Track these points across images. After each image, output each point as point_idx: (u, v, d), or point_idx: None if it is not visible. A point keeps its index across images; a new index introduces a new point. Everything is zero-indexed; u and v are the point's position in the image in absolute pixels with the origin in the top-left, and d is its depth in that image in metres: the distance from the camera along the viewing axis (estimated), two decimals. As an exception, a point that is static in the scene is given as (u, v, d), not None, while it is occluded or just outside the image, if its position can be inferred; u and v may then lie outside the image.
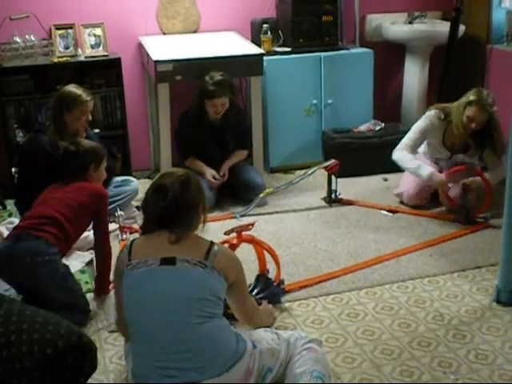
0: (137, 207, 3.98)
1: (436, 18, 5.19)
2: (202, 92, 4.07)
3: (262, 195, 4.12)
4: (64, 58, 4.38)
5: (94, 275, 3.23)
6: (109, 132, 4.52)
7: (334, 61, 4.71)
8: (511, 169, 2.85)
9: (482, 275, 3.29)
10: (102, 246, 3.13)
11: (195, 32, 4.77)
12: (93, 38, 4.47)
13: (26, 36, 4.33)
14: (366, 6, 5.01)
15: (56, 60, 4.35)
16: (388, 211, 4.08)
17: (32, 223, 2.94)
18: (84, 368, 2.12)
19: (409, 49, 5.07)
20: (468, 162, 4.02)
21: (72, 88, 3.67)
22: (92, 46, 4.47)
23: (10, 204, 4.13)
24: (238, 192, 4.31)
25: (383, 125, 4.79)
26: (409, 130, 4.08)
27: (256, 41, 4.66)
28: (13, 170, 4.22)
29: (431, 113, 3.97)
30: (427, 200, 4.12)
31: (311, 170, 4.22)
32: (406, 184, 4.15)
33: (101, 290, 3.14)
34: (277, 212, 4.13)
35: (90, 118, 3.77)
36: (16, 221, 3.68)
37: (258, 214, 4.05)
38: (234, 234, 2.92)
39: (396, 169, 4.17)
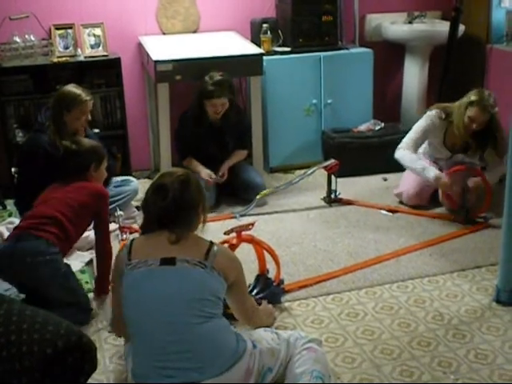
0: (137, 207, 3.98)
1: (436, 17, 5.19)
2: (202, 92, 4.07)
3: (259, 197, 4.11)
4: (64, 58, 4.38)
5: (94, 275, 3.24)
6: (108, 132, 4.52)
7: (334, 61, 4.71)
8: (511, 169, 2.85)
9: (482, 275, 3.29)
10: (102, 246, 3.13)
11: (195, 32, 4.77)
12: (92, 38, 4.47)
13: (26, 36, 4.33)
14: (365, 6, 5.01)
15: (56, 60, 4.35)
16: (388, 211, 4.08)
17: (33, 223, 2.95)
18: (84, 368, 2.12)
19: (408, 49, 5.07)
20: (468, 162, 4.02)
21: (71, 88, 3.67)
22: (92, 46, 4.47)
23: (10, 204, 4.13)
24: (237, 192, 4.31)
25: (383, 124, 4.78)
26: (409, 129, 4.07)
27: (256, 41, 4.66)
28: (12, 169, 4.22)
29: (432, 113, 3.96)
30: (427, 200, 4.12)
31: (311, 170, 4.22)
32: (405, 184, 4.15)
33: (101, 290, 3.14)
34: (276, 212, 4.13)
35: (90, 117, 3.77)
36: (16, 221, 3.68)
37: (258, 214, 4.05)
38: (233, 234, 2.92)
39: (396, 168, 4.18)
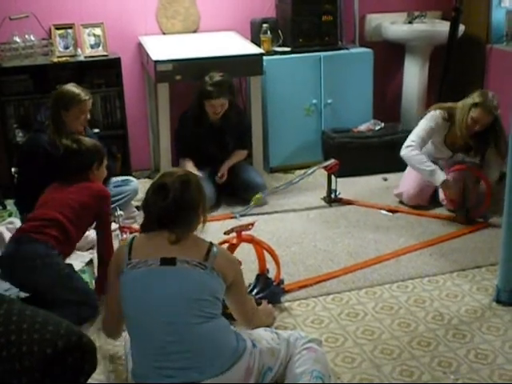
0: (137, 207, 3.98)
1: (436, 17, 5.20)
2: (201, 92, 4.07)
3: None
4: (64, 58, 4.38)
5: (94, 275, 3.23)
6: (108, 132, 4.52)
7: (334, 61, 4.71)
8: (511, 169, 2.85)
9: (482, 275, 3.29)
10: (104, 247, 3.13)
11: (195, 32, 4.77)
12: (92, 38, 4.47)
13: (26, 36, 4.33)
14: (365, 6, 5.01)
15: (56, 60, 4.35)
16: (388, 211, 4.08)
17: (34, 225, 2.94)
18: (84, 368, 2.12)
19: (408, 48, 5.07)
20: (468, 161, 4.02)
21: (70, 87, 3.65)
22: (92, 46, 4.47)
23: (10, 204, 4.12)
24: (237, 192, 4.31)
25: (383, 124, 4.79)
26: (409, 129, 4.07)
27: (256, 41, 4.66)
28: (12, 169, 4.21)
29: (436, 113, 3.95)
30: (427, 200, 4.13)
31: (311, 170, 4.22)
32: (405, 184, 4.15)
33: (101, 290, 3.13)
34: (276, 212, 4.13)
35: (89, 117, 3.76)
36: (16, 221, 3.68)
37: (258, 214, 4.05)
38: (233, 234, 2.92)
39: (396, 168, 4.18)
